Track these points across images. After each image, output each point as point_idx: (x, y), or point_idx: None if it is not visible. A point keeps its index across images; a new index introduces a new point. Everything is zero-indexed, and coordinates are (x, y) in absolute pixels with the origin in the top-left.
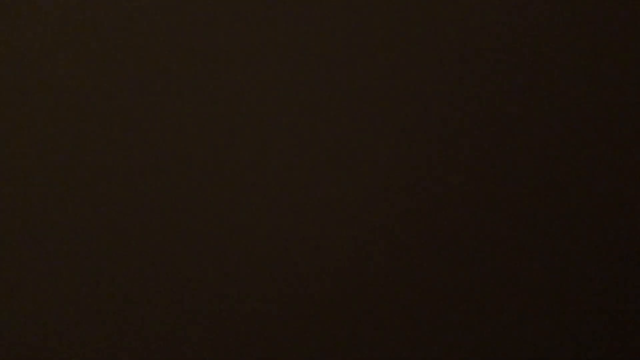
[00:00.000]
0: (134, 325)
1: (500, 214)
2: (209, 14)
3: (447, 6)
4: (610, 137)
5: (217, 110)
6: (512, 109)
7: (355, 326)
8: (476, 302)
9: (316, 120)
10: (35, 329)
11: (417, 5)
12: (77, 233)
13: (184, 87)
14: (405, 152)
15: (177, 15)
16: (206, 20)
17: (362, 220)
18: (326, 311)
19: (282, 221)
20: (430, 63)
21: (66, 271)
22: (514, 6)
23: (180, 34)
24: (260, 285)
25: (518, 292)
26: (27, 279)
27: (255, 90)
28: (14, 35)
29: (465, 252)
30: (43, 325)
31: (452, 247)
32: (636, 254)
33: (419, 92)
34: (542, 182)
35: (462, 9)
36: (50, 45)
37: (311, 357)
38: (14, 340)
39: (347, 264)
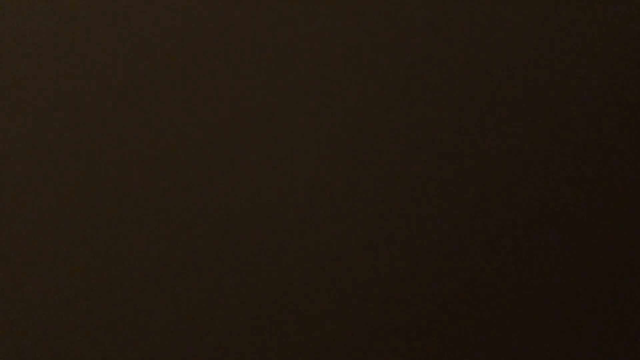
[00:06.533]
0: (133, 324)
1: (498, 213)
2: (207, 13)
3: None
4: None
5: (202, 101)
6: (503, 107)
7: (352, 325)
8: (473, 300)
9: (311, 116)
10: (34, 329)
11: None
12: (76, 231)
13: (181, 86)
14: (398, 150)
15: (176, 15)
16: (204, 19)
17: (358, 219)
18: (324, 312)
19: (280, 222)
20: (426, 62)
21: (65, 266)
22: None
23: (179, 33)
24: (258, 284)
25: (511, 287)
26: (27, 278)
27: (247, 87)
28: (13, 35)
29: (463, 252)
30: (42, 325)
31: (449, 246)
32: (636, 254)
33: (412, 92)
34: (542, 184)
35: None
36: (50, 44)
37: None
38: (13, 340)
39: (343, 265)
